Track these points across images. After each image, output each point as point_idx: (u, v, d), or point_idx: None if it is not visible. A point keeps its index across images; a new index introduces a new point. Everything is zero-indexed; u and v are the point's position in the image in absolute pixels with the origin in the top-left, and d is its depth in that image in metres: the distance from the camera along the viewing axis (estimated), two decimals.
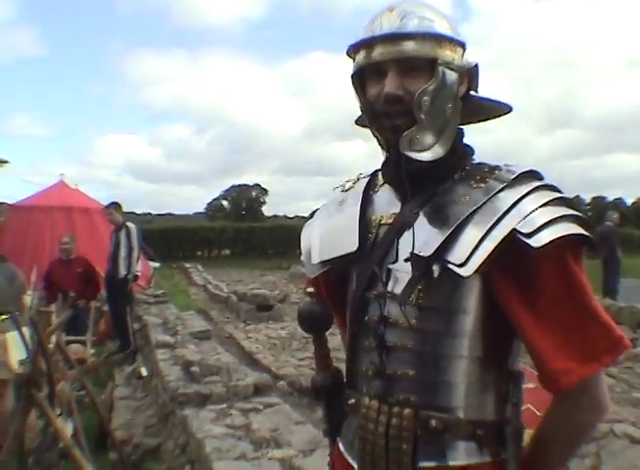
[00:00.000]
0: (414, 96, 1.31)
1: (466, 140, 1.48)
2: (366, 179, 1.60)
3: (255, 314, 12.20)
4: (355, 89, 1.44)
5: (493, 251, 1.22)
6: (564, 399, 1.29)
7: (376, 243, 1.44)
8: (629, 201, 78.60)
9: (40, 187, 15.31)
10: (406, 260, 1.33)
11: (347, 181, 1.65)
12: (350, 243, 1.46)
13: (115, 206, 9.09)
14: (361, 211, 1.51)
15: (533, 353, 1.27)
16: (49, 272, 8.54)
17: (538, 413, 1.70)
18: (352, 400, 1.46)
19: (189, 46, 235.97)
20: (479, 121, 1.54)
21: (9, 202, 15.71)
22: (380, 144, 1.44)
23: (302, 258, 1.65)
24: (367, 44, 1.36)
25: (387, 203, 1.48)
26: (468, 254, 1.24)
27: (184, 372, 5.41)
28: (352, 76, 1.43)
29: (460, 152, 1.43)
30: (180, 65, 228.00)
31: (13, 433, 3.77)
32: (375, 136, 1.44)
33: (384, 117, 1.36)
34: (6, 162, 29.74)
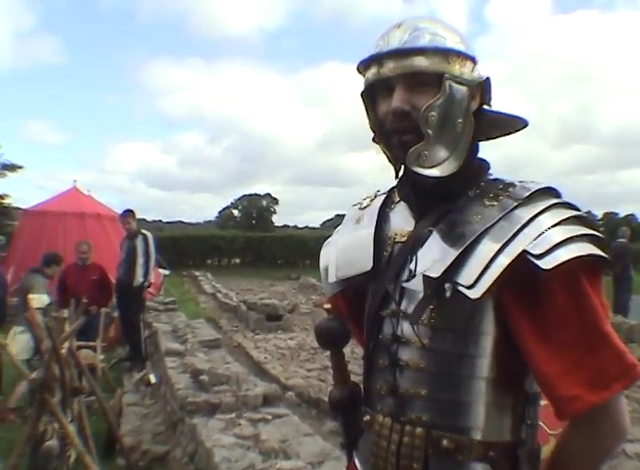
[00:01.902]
0: (420, 111, 1.30)
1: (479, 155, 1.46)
2: (383, 196, 1.59)
3: (265, 324, 12.19)
4: (366, 107, 1.43)
5: (503, 272, 1.20)
6: (580, 423, 1.25)
7: (390, 261, 1.44)
8: None
9: (54, 193, 15.38)
10: (408, 279, 1.34)
11: (365, 198, 1.64)
12: (365, 262, 1.46)
13: (132, 214, 9.15)
14: (377, 228, 1.50)
15: (539, 379, 1.25)
16: (64, 277, 8.56)
17: (550, 431, 1.69)
18: (367, 417, 1.45)
19: (206, 55, 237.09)
20: (496, 137, 1.52)
21: (23, 207, 15.84)
22: (390, 161, 1.42)
23: (322, 275, 1.65)
24: (376, 60, 1.35)
25: (402, 220, 1.47)
26: (477, 275, 1.22)
27: (193, 381, 5.41)
28: (362, 94, 1.43)
29: (474, 167, 1.41)
30: (197, 74, 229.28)
31: (25, 437, 3.79)
32: (385, 153, 1.43)
33: (393, 133, 1.35)
34: (21, 167, 30.02)
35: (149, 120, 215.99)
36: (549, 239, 1.20)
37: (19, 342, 6.61)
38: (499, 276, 1.20)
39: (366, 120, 1.45)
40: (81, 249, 8.75)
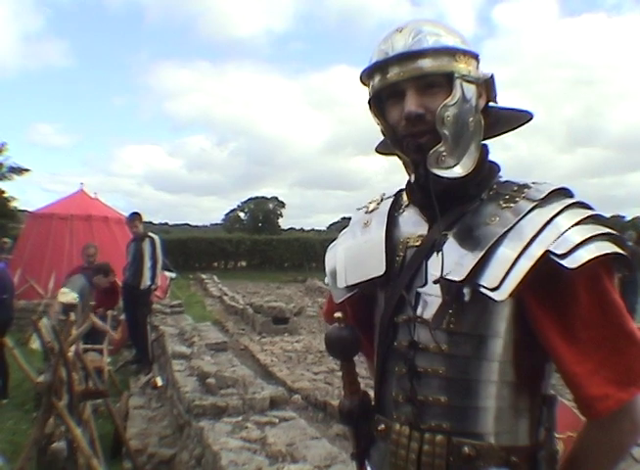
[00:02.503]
0: (435, 113, 1.29)
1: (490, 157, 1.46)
2: (390, 200, 1.57)
3: (271, 327, 12.20)
4: (375, 115, 1.42)
5: (527, 273, 1.19)
6: (603, 421, 1.24)
7: (403, 266, 1.41)
8: None
9: (61, 196, 15.43)
10: (435, 282, 1.30)
11: (371, 202, 1.62)
12: (377, 266, 1.43)
13: (139, 217, 9.18)
14: (387, 232, 1.48)
15: (568, 379, 1.23)
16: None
17: (557, 435, 1.68)
18: (382, 426, 1.42)
19: (213, 58, 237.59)
20: (502, 133, 1.51)
21: (29, 209, 15.88)
22: (405, 166, 1.40)
23: (327, 280, 1.61)
24: (381, 66, 1.35)
25: (413, 224, 1.45)
26: (501, 277, 1.21)
27: (200, 384, 5.40)
28: (369, 102, 1.42)
29: (486, 169, 1.40)
30: (204, 76, 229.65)
31: (33, 440, 3.79)
32: (400, 158, 1.41)
33: (407, 137, 1.34)
34: (27, 170, 30.17)
35: (156, 123, 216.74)
36: (570, 239, 1.20)
37: None
38: (524, 278, 1.19)
39: (374, 125, 1.44)
40: (89, 252, 8.75)
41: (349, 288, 1.51)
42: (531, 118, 1.45)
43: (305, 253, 34.53)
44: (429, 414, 1.32)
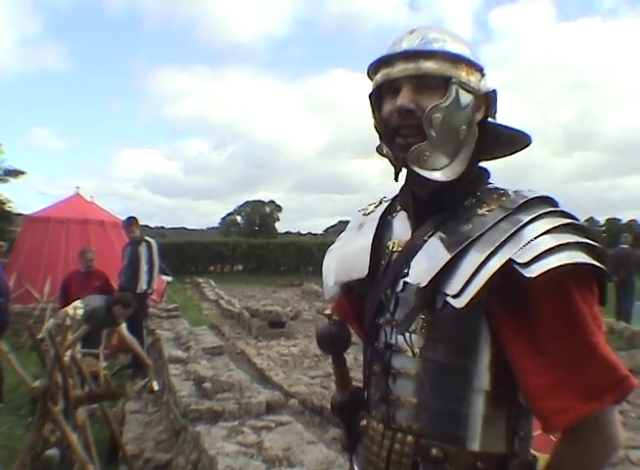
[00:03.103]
0: (425, 112, 1.31)
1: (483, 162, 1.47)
2: (387, 203, 1.60)
3: (267, 331, 12.18)
4: (372, 108, 1.45)
5: (488, 281, 1.18)
6: (571, 436, 1.22)
7: (387, 269, 1.45)
8: None
9: (57, 199, 15.37)
10: (404, 288, 1.36)
11: (370, 205, 1.66)
12: (361, 269, 1.49)
13: (135, 221, 9.19)
14: (376, 236, 1.52)
15: (527, 390, 1.22)
16: (67, 283, 8.59)
17: (553, 438, 1.68)
18: (364, 422, 1.48)
19: (212, 62, 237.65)
20: (501, 157, 1.52)
21: (25, 213, 15.84)
22: (392, 164, 1.43)
23: (324, 280, 1.67)
24: (386, 62, 1.38)
25: (401, 229, 1.49)
26: (462, 284, 1.21)
27: (196, 388, 5.40)
28: (370, 96, 1.45)
29: (473, 177, 1.41)
30: (203, 81, 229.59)
31: (28, 445, 3.78)
32: (387, 157, 1.44)
33: (397, 135, 1.36)
34: (23, 173, 30.05)
35: (154, 127, 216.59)
36: (536, 247, 1.18)
37: None
38: (484, 285, 1.19)
39: (371, 124, 1.46)
40: (87, 256, 8.77)
41: (338, 286, 1.59)
42: (530, 143, 1.45)
43: (302, 257, 34.48)
44: (400, 414, 1.36)
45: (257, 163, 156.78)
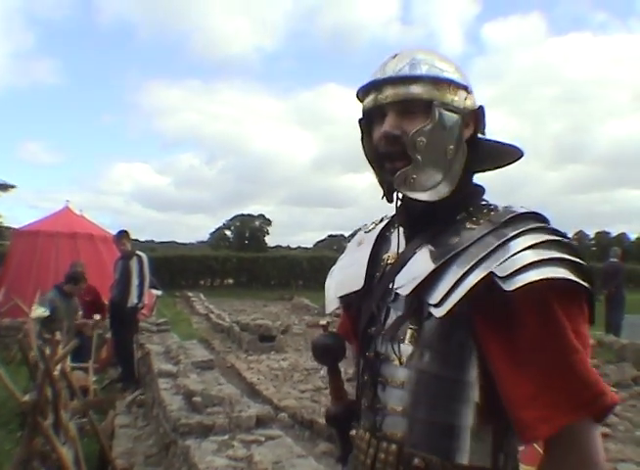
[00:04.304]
0: (409, 136, 1.33)
1: (476, 176, 1.49)
2: (387, 221, 1.65)
3: (258, 345, 12.16)
4: (362, 133, 1.47)
5: (468, 292, 1.20)
6: (551, 453, 1.23)
7: (380, 282, 1.49)
8: (633, 236, 78.66)
9: (47, 213, 15.33)
10: (395, 299, 1.40)
11: (372, 223, 1.71)
12: (357, 281, 1.53)
13: (126, 234, 9.20)
14: (374, 250, 1.57)
15: (508, 400, 1.22)
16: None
17: (524, 467, 1.71)
18: (354, 431, 1.52)
19: (204, 76, 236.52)
20: (492, 169, 1.55)
21: (15, 226, 15.79)
22: (382, 187, 1.46)
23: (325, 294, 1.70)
24: (374, 87, 1.40)
25: (397, 243, 1.51)
26: (443, 294, 1.24)
27: (186, 402, 5.38)
28: (360, 121, 1.48)
29: (465, 193, 1.43)
30: (194, 95, 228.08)
31: (17, 460, 3.77)
32: (378, 181, 1.47)
33: (385, 159, 1.39)
34: (13, 186, 30.00)
35: (145, 141, 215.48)
36: (518, 261, 1.19)
37: None
38: (464, 296, 1.21)
39: (362, 150, 1.48)
40: (77, 269, 8.75)
41: (337, 300, 1.61)
42: (522, 156, 1.48)
43: (292, 270, 34.50)
44: (386, 423, 1.38)
45: (249, 176, 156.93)
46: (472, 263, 1.24)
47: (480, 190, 1.47)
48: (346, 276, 1.60)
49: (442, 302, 1.24)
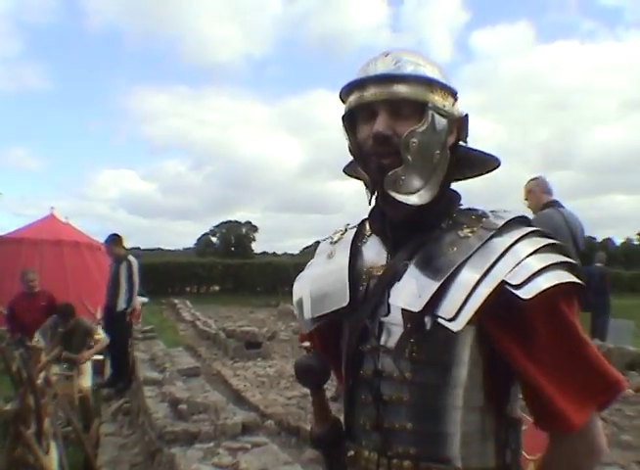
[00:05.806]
0: (402, 137, 1.31)
1: (462, 182, 1.49)
2: (354, 230, 1.59)
3: (244, 352, 12.12)
4: (346, 130, 1.44)
5: (483, 303, 1.21)
6: (560, 444, 1.29)
7: (367, 295, 1.43)
8: (619, 241, 79.35)
9: (31, 220, 15.20)
10: (387, 313, 1.36)
11: (335, 233, 1.64)
12: (341, 297, 1.45)
13: (119, 239, 9.22)
14: (350, 263, 1.50)
15: (541, 397, 1.25)
16: (13, 305, 8.68)
17: (528, 457, 1.70)
18: (352, 452, 1.44)
19: (191, 82, 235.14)
20: (470, 177, 1.54)
21: None
22: (366, 186, 1.43)
23: (295, 311, 1.62)
24: (360, 85, 1.37)
25: (375, 253, 1.47)
26: (457, 308, 1.22)
27: (172, 410, 5.35)
28: (343, 118, 1.44)
29: (446, 199, 1.42)
30: (182, 101, 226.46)
31: None
32: (362, 179, 1.44)
33: (372, 156, 1.36)
34: None
35: (131, 147, 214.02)
36: (527, 268, 1.22)
37: None
38: (480, 307, 1.20)
39: (346, 145, 1.46)
40: (29, 277, 8.73)
41: (316, 319, 1.51)
42: (499, 165, 1.49)
43: (278, 277, 34.40)
44: (396, 441, 1.34)
45: (235, 183, 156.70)
46: (481, 273, 1.24)
47: (457, 196, 1.47)
48: (326, 292, 1.49)
49: (457, 315, 1.22)
